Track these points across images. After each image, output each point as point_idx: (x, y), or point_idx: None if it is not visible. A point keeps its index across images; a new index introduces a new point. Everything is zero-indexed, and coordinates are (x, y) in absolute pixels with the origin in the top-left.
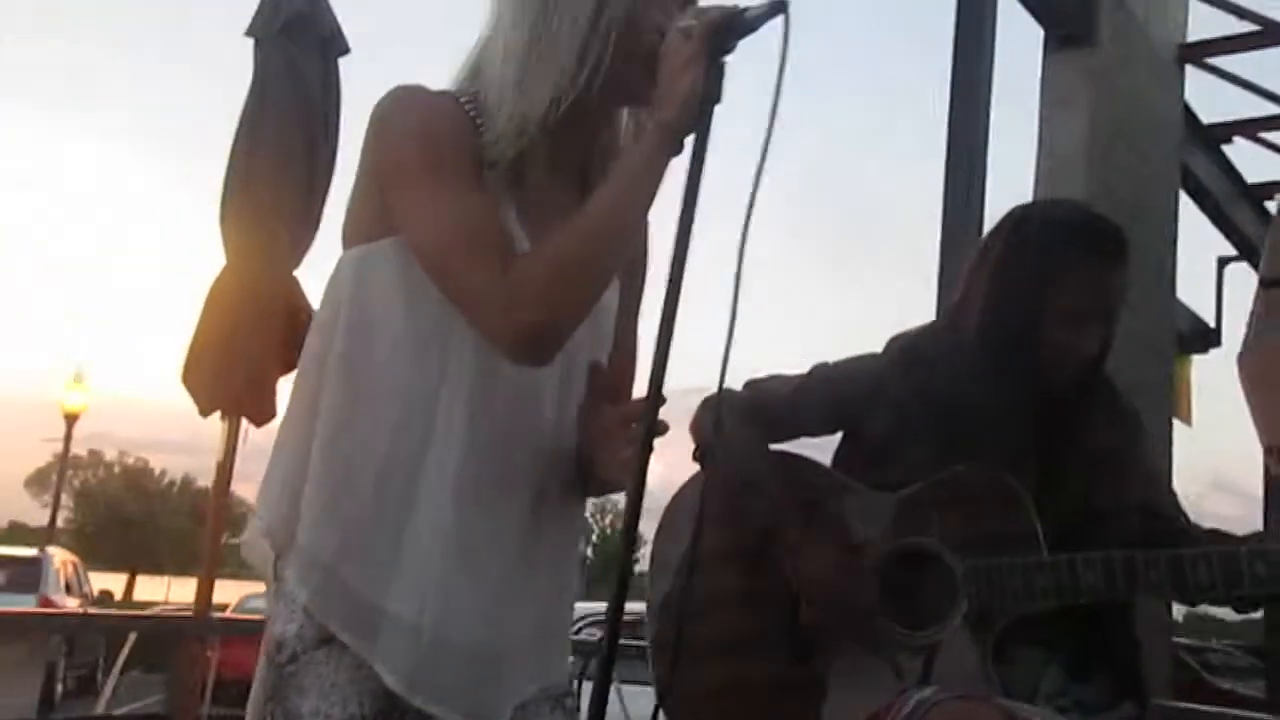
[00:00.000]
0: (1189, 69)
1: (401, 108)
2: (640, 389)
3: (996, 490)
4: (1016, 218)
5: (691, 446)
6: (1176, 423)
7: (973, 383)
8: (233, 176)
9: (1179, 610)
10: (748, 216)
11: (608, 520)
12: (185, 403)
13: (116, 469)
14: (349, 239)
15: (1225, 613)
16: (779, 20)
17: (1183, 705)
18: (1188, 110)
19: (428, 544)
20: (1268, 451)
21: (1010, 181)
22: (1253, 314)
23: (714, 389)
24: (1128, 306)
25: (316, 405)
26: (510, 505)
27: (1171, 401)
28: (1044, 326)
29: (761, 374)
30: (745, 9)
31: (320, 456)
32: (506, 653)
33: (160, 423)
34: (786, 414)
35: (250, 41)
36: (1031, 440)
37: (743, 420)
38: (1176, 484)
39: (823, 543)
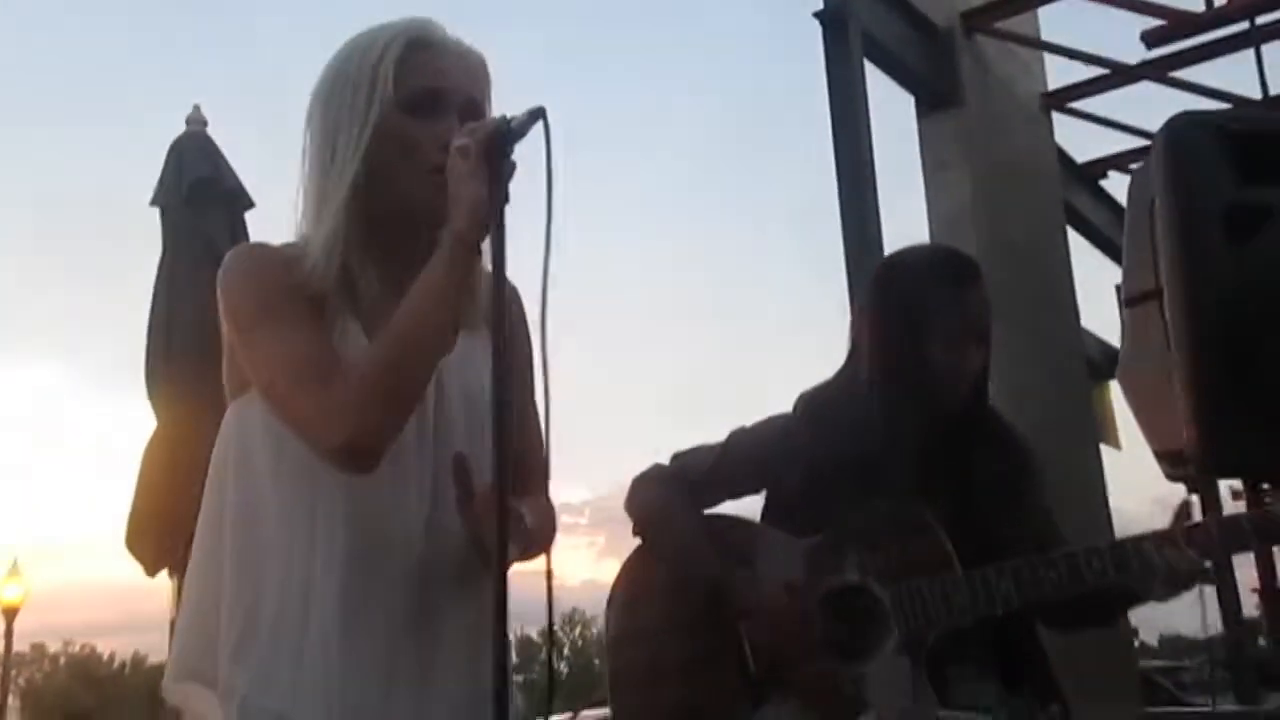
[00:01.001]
0: (1056, 115)
1: (233, 266)
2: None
3: (910, 520)
4: (881, 268)
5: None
6: (1108, 449)
7: (873, 426)
8: (154, 343)
9: (1153, 634)
10: (543, 320)
11: (577, 631)
12: (124, 581)
13: (62, 660)
14: (230, 393)
15: (1198, 631)
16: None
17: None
18: (1062, 153)
19: (323, 659)
20: (1158, 457)
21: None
22: (1122, 332)
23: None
24: (1039, 343)
25: (219, 552)
26: (397, 606)
27: (1098, 429)
28: (926, 353)
29: (687, 445)
30: (511, 119)
31: (227, 603)
32: None
33: (101, 605)
34: (711, 481)
35: (156, 211)
36: (935, 475)
37: (672, 491)
38: (1119, 505)
39: (763, 596)
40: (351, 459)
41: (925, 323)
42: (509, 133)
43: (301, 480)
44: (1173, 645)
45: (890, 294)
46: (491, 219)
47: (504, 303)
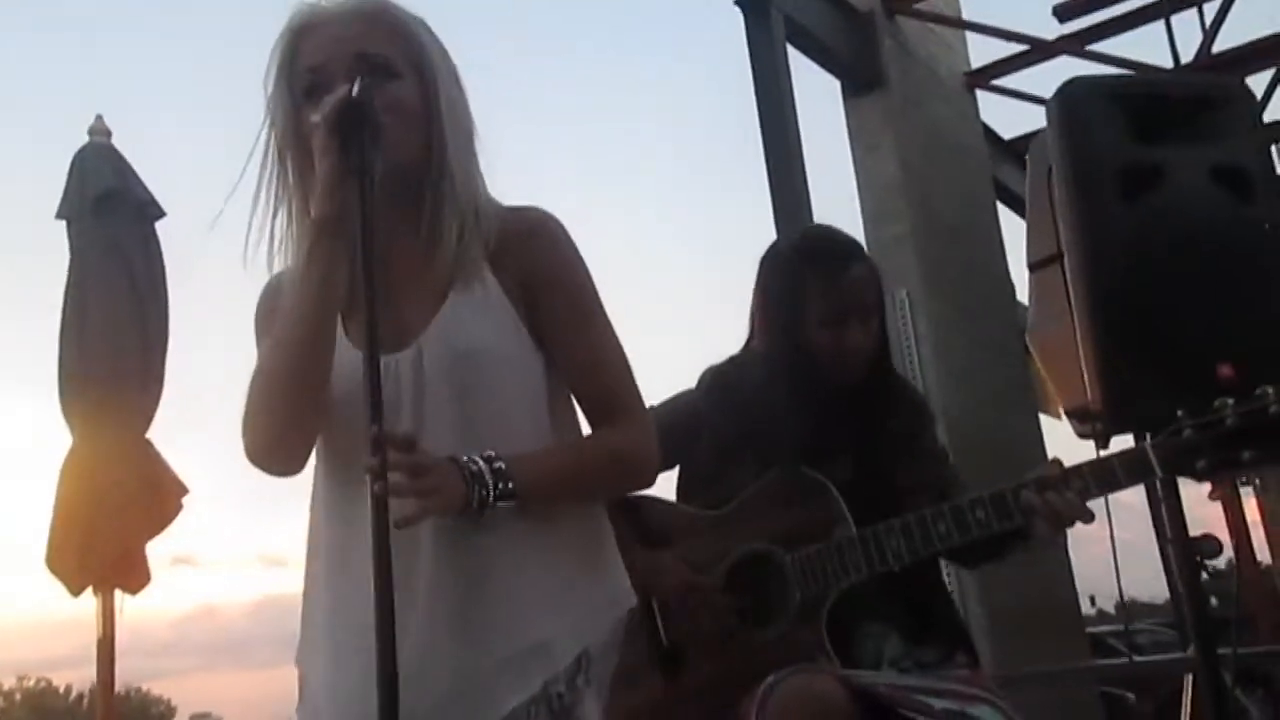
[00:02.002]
0: (980, 93)
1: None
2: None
3: (805, 486)
4: (766, 252)
5: None
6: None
7: (772, 396)
8: (66, 357)
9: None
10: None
11: None
12: (75, 612)
13: (18, 696)
14: None
15: (1153, 596)
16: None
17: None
18: (988, 130)
19: (327, 651)
20: (1068, 415)
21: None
22: (1030, 296)
23: None
24: (974, 317)
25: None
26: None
27: (1037, 399)
28: (805, 334)
29: None
30: (350, 88)
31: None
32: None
33: (56, 639)
34: None
35: (63, 224)
36: (834, 440)
37: None
38: None
39: (672, 570)
40: (259, 460)
41: (801, 305)
42: (352, 102)
43: (317, 481)
44: (1129, 609)
45: (771, 278)
46: (354, 189)
47: (372, 278)
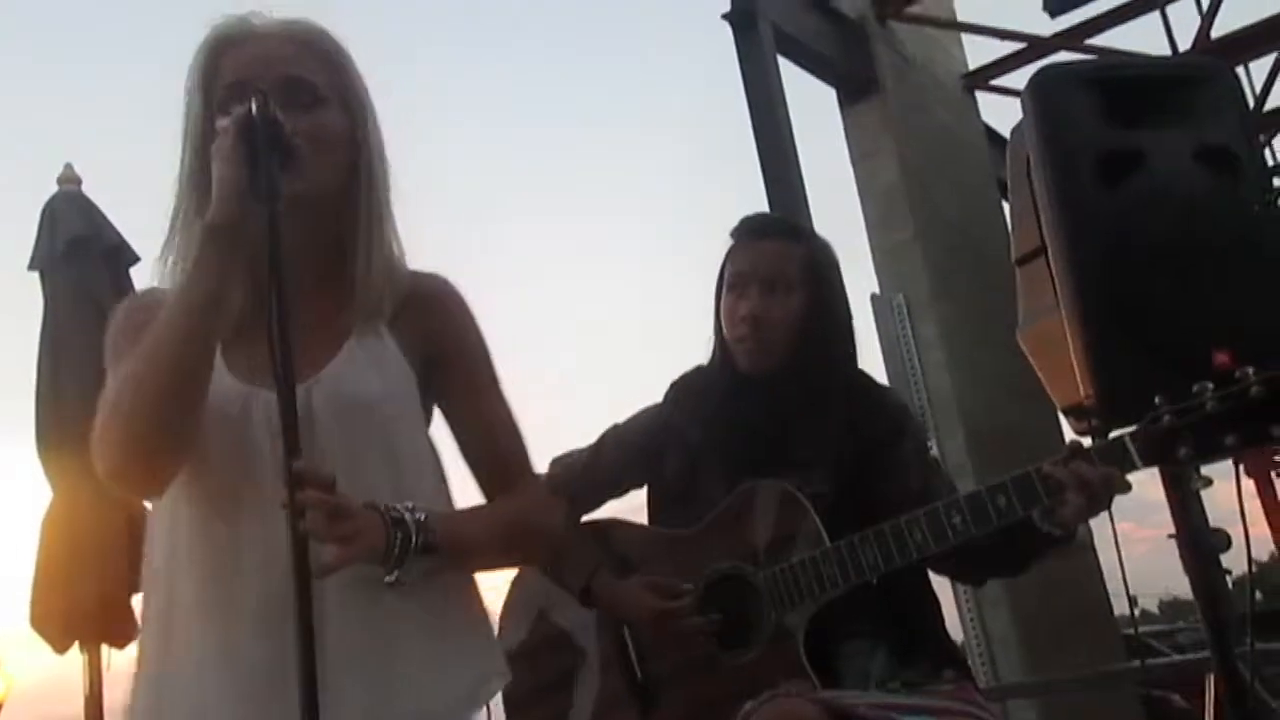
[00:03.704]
0: (979, 94)
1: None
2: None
3: (776, 498)
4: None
5: None
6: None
7: (727, 401)
8: (43, 410)
9: (1153, 600)
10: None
11: None
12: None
13: None
14: None
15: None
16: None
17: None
18: (990, 130)
19: (189, 691)
20: (1064, 413)
21: (837, 234)
22: (1019, 293)
23: None
24: (983, 316)
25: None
26: (251, 630)
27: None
28: (721, 306)
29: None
30: (263, 102)
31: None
32: None
33: (48, 700)
34: (588, 483)
35: (36, 275)
36: (814, 445)
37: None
38: None
39: (643, 595)
40: (116, 481)
41: (722, 278)
42: (268, 118)
43: (171, 518)
44: (1171, 609)
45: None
46: (259, 202)
47: (281, 292)
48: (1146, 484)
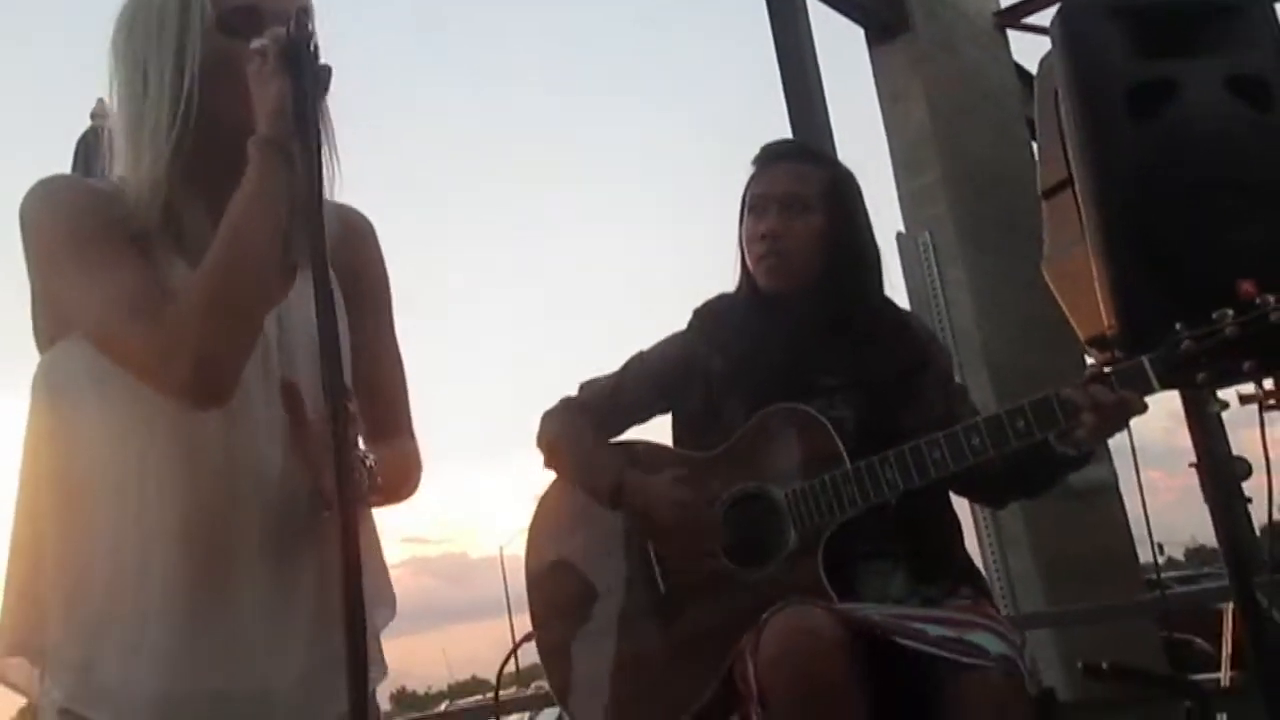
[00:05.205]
0: (1011, 33)
1: (42, 199)
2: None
3: (799, 421)
4: None
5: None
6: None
7: (753, 327)
8: None
9: (1179, 549)
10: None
11: None
12: None
13: None
14: (40, 345)
15: None
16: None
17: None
18: (1021, 70)
19: (166, 619)
20: (1087, 344)
21: (865, 178)
22: (1044, 226)
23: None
24: (1011, 260)
25: (39, 519)
26: (247, 558)
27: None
28: (742, 232)
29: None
30: (302, 24)
31: (53, 566)
32: (268, 703)
33: None
34: (615, 406)
35: None
36: (836, 370)
37: (575, 417)
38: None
39: (667, 510)
40: (200, 391)
41: (744, 206)
42: (308, 34)
43: (128, 437)
44: (1197, 555)
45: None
46: (300, 116)
47: (321, 221)
48: (1176, 433)
